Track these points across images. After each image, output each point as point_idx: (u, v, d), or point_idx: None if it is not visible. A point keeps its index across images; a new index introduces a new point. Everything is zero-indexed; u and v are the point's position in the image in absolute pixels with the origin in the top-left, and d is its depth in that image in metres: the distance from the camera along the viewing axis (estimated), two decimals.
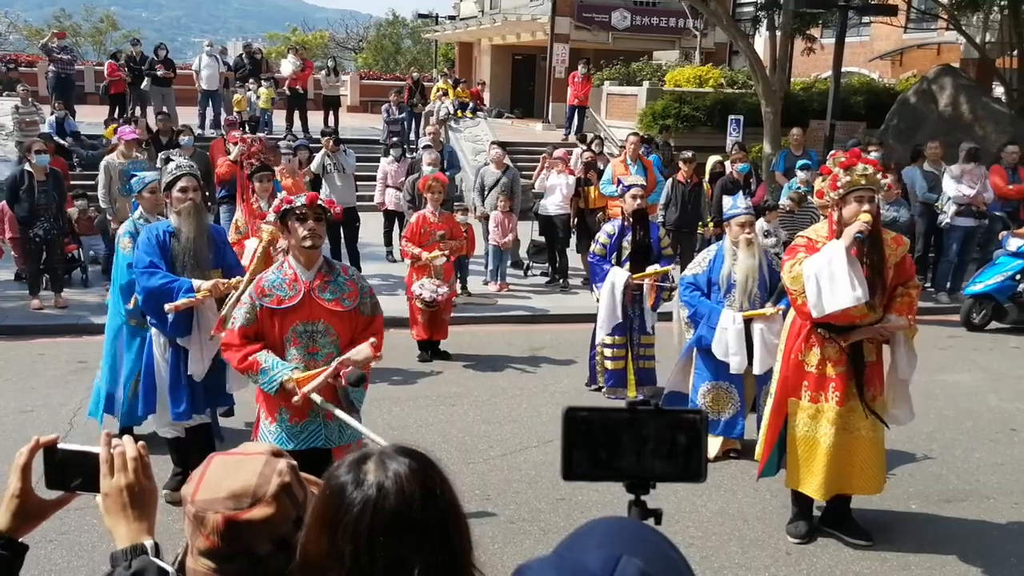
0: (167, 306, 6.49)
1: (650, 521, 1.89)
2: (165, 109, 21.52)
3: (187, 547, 2.12)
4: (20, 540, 2.19)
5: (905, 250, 6.50)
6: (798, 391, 6.47)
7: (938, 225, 14.77)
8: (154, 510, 2.19)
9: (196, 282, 6.56)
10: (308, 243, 5.39)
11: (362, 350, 5.32)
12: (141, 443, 2.22)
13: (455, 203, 13.89)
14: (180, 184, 6.81)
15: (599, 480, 1.87)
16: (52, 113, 20.17)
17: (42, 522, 2.23)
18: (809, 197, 12.74)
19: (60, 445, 2.20)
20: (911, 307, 6.41)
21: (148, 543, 2.11)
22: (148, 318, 6.86)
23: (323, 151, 14.66)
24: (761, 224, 12.46)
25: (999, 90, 23.24)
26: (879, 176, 6.24)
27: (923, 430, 8.82)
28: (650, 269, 9.18)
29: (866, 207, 6.06)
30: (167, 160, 7.28)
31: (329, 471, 1.92)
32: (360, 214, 15.02)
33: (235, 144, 13.67)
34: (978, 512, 7.24)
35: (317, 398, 5.31)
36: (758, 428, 7.00)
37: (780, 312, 7.52)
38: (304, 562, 1.88)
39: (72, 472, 2.20)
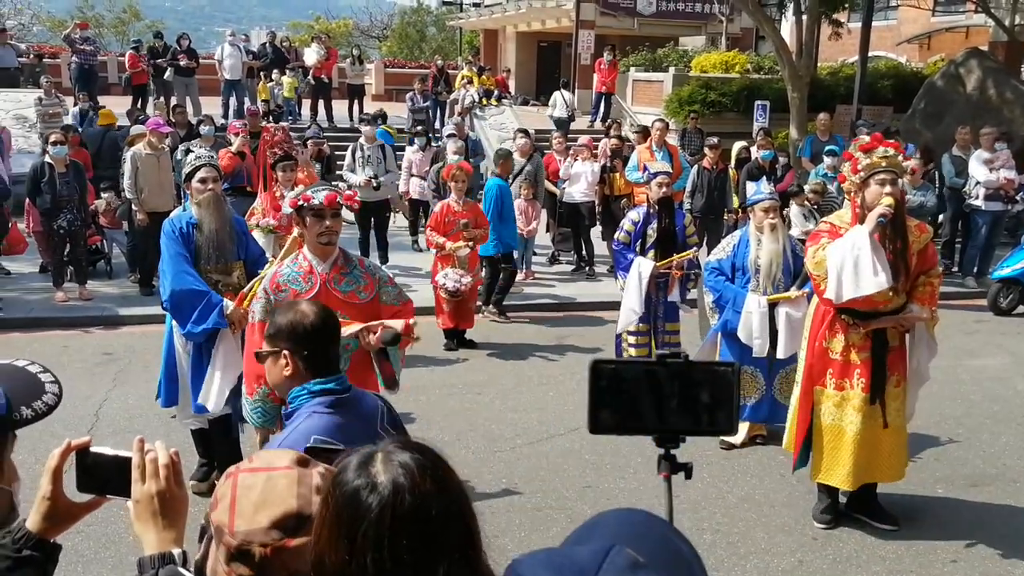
0: None
1: (681, 495, 1.89)
2: (188, 99, 21.62)
3: (204, 555, 2.12)
4: (53, 540, 2.19)
5: (928, 238, 6.46)
6: (823, 378, 6.45)
7: (964, 210, 14.68)
8: (184, 519, 2.18)
9: (228, 304, 6.46)
10: (324, 240, 5.36)
11: (397, 323, 5.26)
12: (174, 450, 2.22)
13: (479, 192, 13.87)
14: (200, 175, 6.80)
15: (626, 433, 1.86)
16: (76, 104, 20.24)
17: (73, 524, 2.24)
18: (830, 187, 12.69)
19: (92, 448, 2.20)
20: (933, 297, 6.37)
21: (176, 552, 2.11)
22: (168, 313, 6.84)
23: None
24: (796, 210, 12.43)
25: None
26: (900, 159, 6.20)
27: (949, 414, 8.79)
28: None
29: (888, 189, 6.01)
30: (187, 151, 7.27)
31: (335, 476, 1.87)
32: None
33: (236, 135, 13.68)
34: (1004, 496, 7.21)
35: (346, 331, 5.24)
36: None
37: (805, 295, 7.49)
38: (319, 574, 1.83)
39: (103, 476, 2.20)
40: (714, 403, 1.85)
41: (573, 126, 24.60)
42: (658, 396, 1.84)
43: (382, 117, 15.03)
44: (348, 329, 5.23)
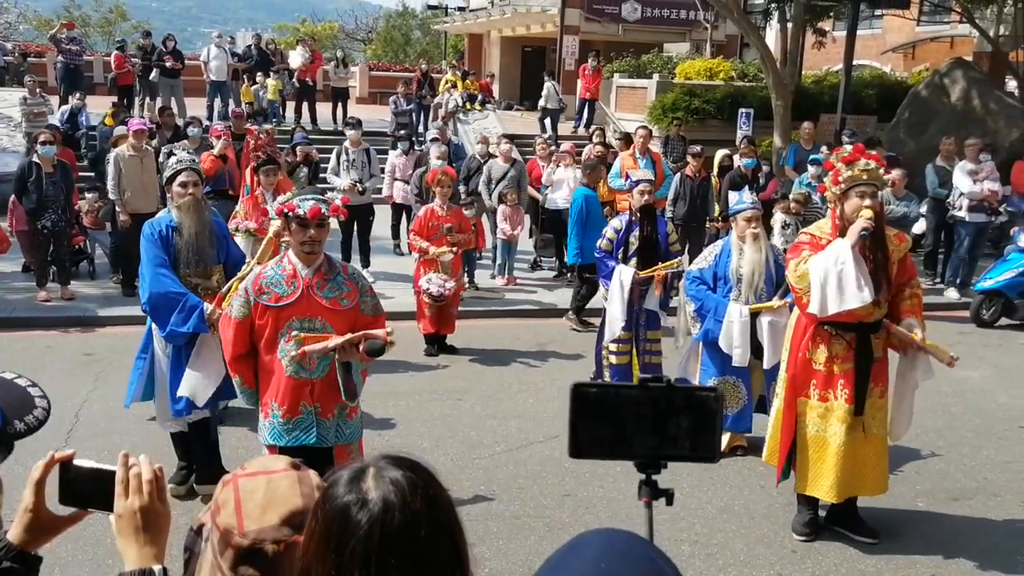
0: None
1: (661, 502, 1.87)
2: (173, 100, 21.56)
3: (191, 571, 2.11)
4: (34, 552, 2.18)
5: (907, 247, 6.47)
6: (806, 389, 6.43)
7: (948, 221, 14.73)
8: (166, 535, 2.16)
9: (208, 306, 6.47)
10: (307, 249, 5.38)
11: (379, 332, 5.25)
12: (158, 466, 2.19)
13: (463, 198, 13.83)
14: (180, 179, 6.80)
15: (607, 458, 1.84)
16: (68, 103, 20.15)
17: (55, 536, 2.22)
18: (814, 196, 12.69)
19: (75, 462, 2.18)
20: (919, 308, 6.37)
21: (157, 568, 2.09)
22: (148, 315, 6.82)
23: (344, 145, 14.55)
24: (780, 217, 12.43)
25: (1012, 84, 23.13)
26: (881, 171, 6.18)
27: (931, 427, 8.79)
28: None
29: (868, 202, 6.01)
30: (169, 153, 7.25)
31: (325, 490, 1.86)
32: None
33: (218, 138, 13.64)
34: (986, 510, 7.21)
35: (314, 347, 5.25)
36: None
37: (787, 305, 7.48)
38: None
39: (86, 490, 2.17)
40: (696, 429, 1.83)
41: (557, 130, 24.65)
42: (640, 421, 1.82)
43: (357, 123, 15.01)
44: (333, 342, 5.22)
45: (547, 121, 25.47)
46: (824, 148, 15.19)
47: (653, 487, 1.89)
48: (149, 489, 2.13)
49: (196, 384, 6.63)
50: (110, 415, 8.53)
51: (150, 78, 22.92)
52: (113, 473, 2.14)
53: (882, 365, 6.46)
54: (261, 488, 2.05)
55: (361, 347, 5.18)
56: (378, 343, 5.17)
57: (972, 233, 14.37)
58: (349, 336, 5.21)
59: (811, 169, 13.84)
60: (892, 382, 6.55)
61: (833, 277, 5.93)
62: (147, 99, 23.05)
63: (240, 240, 10.02)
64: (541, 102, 25.92)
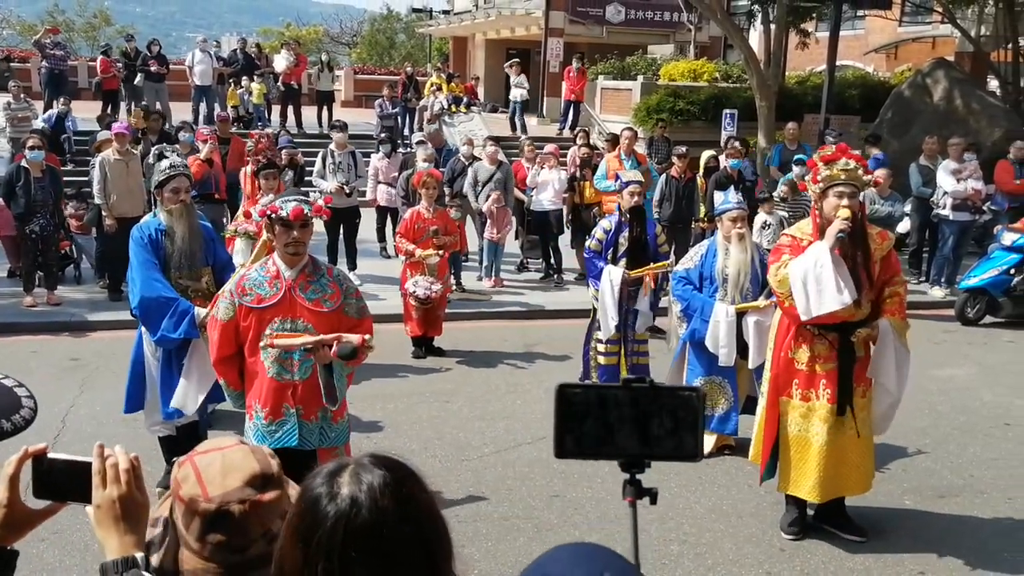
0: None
1: (645, 501, 1.89)
2: (158, 105, 21.51)
3: (166, 552, 2.12)
4: (10, 547, 2.18)
5: (890, 245, 6.47)
6: (789, 389, 6.44)
7: (932, 220, 14.80)
8: (146, 523, 2.17)
9: (199, 310, 6.50)
10: (291, 250, 5.38)
11: (353, 336, 5.24)
12: (135, 455, 2.20)
13: (448, 200, 13.82)
14: (172, 184, 6.81)
15: (592, 458, 1.86)
16: (54, 107, 20.10)
17: (30, 531, 2.21)
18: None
19: (50, 455, 2.18)
20: (902, 306, 6.38)
21: (139, 555, 2.10)
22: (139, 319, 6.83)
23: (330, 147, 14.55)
24: (761, 217, 12.46)
25: (993, 84, 23.28)
26: (861, 172, 6.19)
27: (917, 425, 8.83)
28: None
29: (845, 202, 6.02)
30: (160, 156, 7.23)
31: (306, 481, 1.89)
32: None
33: (204, 142, 13.62)
34: (972, 507, 7.25)
35: (284, 342, 5.26)
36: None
37: (773, 304, 7.50)
38: (280, 574, 1.86)
39: (61, 482, 2.18)
40: (679, 428, 1.85)
41: (542, 132, 24.71)
42: (623, 421, 1.84)
43: (344, 126, 15.00)
44: (303, 339, 5.23)
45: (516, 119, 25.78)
46: (829, 140, 15.25)
47: (637, 486, 1.90)
48: (127, 478, 2.14)
49: (187, 394, 6.64)
50: (97, 420, 8.51)
51: (135, 83, 22.88)
52: (89, 465, 2.15)
53: (864, 364, 6.46)
54: (217, 460, 2.13)
55: (333, 349, 5.17)
56: (350, 346, 5.14)
57: (956, 232, 14.44)
58: (320, 337, 5.21)
59: (796, 169, 13.88)
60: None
61: (812, 281, 5.95)
62: (132, 104, 23.00)
63: (240, 244, 10.03)
64: (514, 96, 26.30)
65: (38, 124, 18.67)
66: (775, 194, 13.06)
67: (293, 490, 2.27)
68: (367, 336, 5.28)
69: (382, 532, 1.77)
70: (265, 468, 2.11)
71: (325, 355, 5.22)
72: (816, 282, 5.94)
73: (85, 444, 7.63)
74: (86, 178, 14.41)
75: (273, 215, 5.33)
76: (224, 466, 2.10)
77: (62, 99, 20.13)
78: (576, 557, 1.55)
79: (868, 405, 6.47)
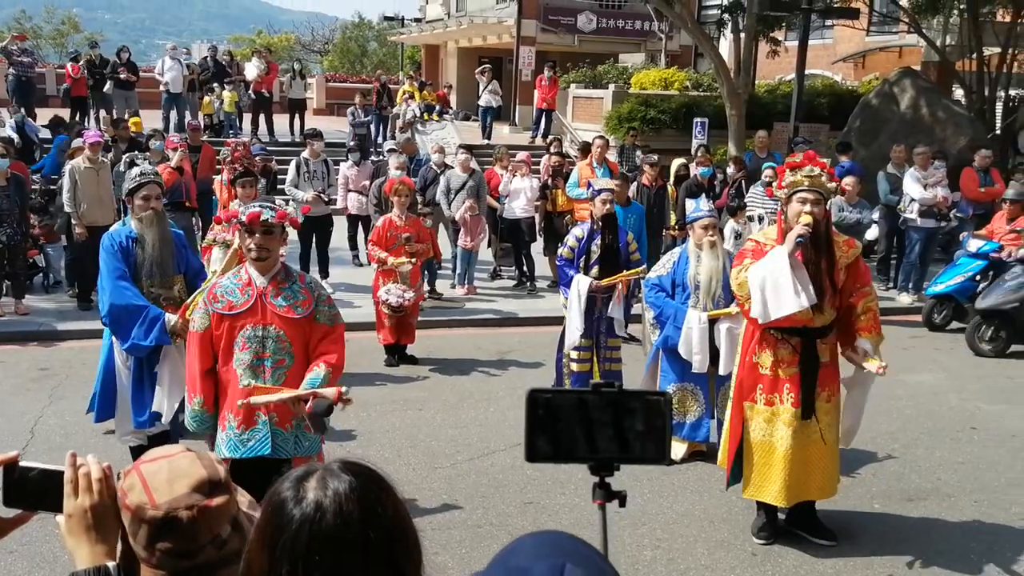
0: None
1: (614, 503, 1.91)
2: (127, 112, 21.42)
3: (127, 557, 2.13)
4: None
5: (857, 252, 6.50)
6: (753, 393, 6.47)
7: (899, 227, 14.93)
8: (117, 533, 2.18)
9: (170, 317, 6.48)
10: (254, 255, 5.38)
11: (329, 391, 5.25)
12: (107, 464, 2.22)
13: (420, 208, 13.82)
14: (143, 192, 6.80)
15: (562, 462, 1.89)
16: (12, 116, 19.97)
17: (0, 538, 2.22)
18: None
19: (21, 463, 2.19)
20: (876, 322, 6.40)
21: (111, 564, 2.11)
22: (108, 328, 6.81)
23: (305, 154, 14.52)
24: (732, 226, 12.55)
25: (959, 92, 23.49)
26: (826, 179, 6.25)
27: (885, 430, 8.92)
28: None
29: (808, 208, 6.08)
30: (131, 164, 7.23)
31: (274, 485, 1.90)
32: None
33: (175, 150, 13.59)
34: (940, 510, 7.32)
35: (261, 399, 5.24)
36: (719, 434, 7.04)
37: None
38: None
39: (33, 491, 2.19)
40: (646, 432, 1.88)
41: (514, 140, 24.73)
42: (592, 425, 1.87)
43: (319, 135, 14.96)
44: (280, 395, 5.23)
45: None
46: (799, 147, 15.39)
47: (607, 490, 1.93)
48: (99, 488, 2.16)
49: (162, 402, 6.63)
50: (66, 430, 8.46)
51: (104, 90, 22.78)
52: (61, 473, 2.17)
53: (828, 370, 6.49)
54: (164, 468, 2.11)
55: (309, 404, 5.16)
56: (325, 402, 5.14)
57: (923, 238, 14.56)
58: (296, 392, 5.20)
59: (767, 172, 13.98)
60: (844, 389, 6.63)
61: (770, 283, 6.00)
62: (101, 111, 22.90)
63: (217, 253, 10.00)
64: (481, 102, 26.44)
65: (5, 132, 18.52)
66: (754, 190, 13.15)
67: (242, 496, 2.30)
68: (343, 389, 5.26)
69: (346, 538, 1.80)
70: (212, 474, 2.10)
71: (301, 410, 5.22)
72: (774, 285, 5.99)
73: (54, 454, 7.60)
74: (54, 186, 14.31)
75: (235, 219, 5.38)
76: (171, 473, 2.09)
77: (11, 106, 19.99)
78: (539, 547, 1.56)
79: (833, 411, 6.51)
